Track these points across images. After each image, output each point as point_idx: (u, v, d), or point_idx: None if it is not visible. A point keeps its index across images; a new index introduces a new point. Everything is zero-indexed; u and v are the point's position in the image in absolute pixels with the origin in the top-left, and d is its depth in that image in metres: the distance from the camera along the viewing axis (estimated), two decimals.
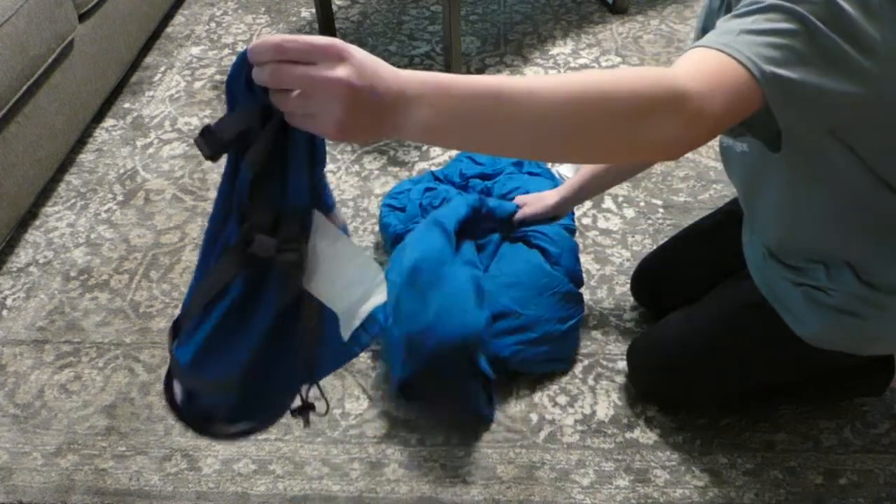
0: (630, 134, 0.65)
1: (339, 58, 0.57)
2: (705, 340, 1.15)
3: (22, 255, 1.60)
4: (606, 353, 1.36)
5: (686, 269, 1.30)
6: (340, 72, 0.56)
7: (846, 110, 0.76)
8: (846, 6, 0.68)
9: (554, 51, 2.13)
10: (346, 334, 0.72)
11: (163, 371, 1.36)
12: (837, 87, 0.71)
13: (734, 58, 0.67)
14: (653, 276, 1.37)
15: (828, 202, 0.91)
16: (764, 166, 0.95)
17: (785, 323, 1.04)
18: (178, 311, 1.45)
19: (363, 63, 0.58)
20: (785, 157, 0.82)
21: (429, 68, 2.08)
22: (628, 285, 1.46)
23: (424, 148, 1.82)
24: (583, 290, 1.46)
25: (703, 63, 0.68)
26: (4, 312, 1.48)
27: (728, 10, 0.83)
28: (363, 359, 1.36)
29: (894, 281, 0.94)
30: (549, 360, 1.30)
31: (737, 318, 1.12)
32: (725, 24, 0.72)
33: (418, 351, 1.17)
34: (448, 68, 1.87)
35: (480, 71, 2.06)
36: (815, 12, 0.68)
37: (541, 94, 0.62)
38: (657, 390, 1.25)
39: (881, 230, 0.92)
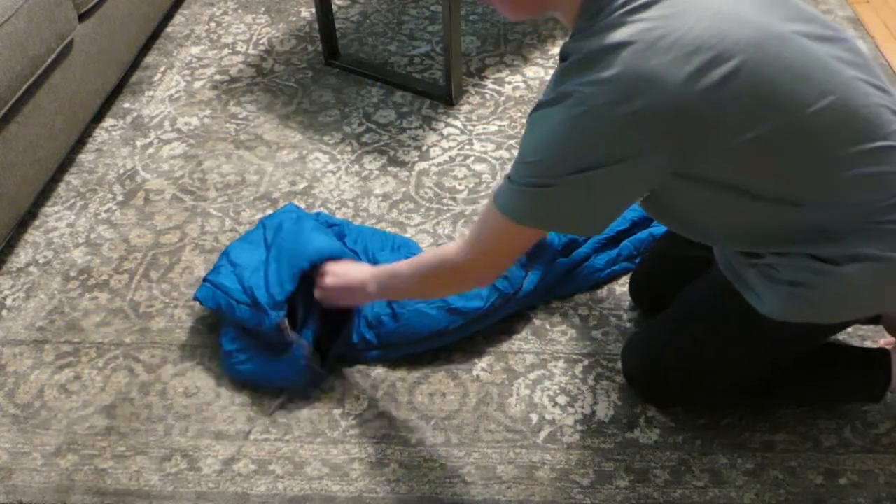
0: (448, 294, 1.29)
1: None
2: (688, 333, 1.16)
3: (22, 255, 1.60)
4: (606, 353, 1.36)
5: (676, 268, 1.30)
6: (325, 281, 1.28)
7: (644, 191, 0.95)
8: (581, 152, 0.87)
9: (554, 51, 2.13)
10: None
11: (162, 371, 1.36)
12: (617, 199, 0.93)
13: (510, 217, 0.93)
14: (648, 281, 1.38)
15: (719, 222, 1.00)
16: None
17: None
18: (177, 311, 1.46)
19: (331, 275, 1.26)
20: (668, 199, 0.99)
21: (428, 68, 2.09)
22: (628, 285, 1.46)
23: (424, 148, 1.82)
24: (583, 289, 1.47)
25: (485, 227, 0.99)
26: (4, 312, 1.48)
27: None
28: (363, 358, 1.36)
29: (837, 254, 0.95)
30: None
31: (712, 305, 1.13)
32: (509, 175, 0.94)
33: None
34: (448, 68, 1.88)
35: (481, 70, 2.06)
36: (559, 172, 0.88)
37: (401, 286, 1.18)
38: (653, 391, 1.25)
39: (770, 234, 0.97)
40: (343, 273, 1.25)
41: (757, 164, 0.88)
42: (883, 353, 1.20)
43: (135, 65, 2.15)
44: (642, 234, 1.50)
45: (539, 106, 0.90)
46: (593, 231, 0.96)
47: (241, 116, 1.95)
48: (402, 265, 1.16)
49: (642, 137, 0.84)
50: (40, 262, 1.58)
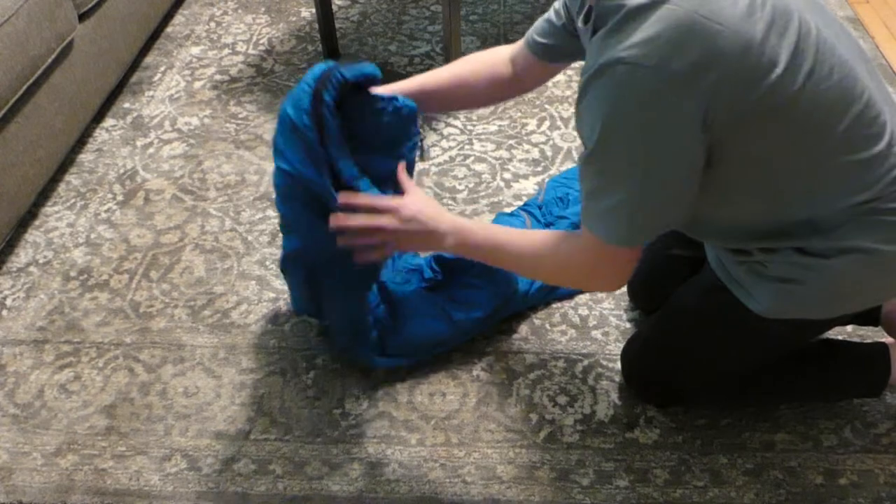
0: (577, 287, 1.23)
1: (389, 211, 1.06)
2: (682, 333, 1.16)
3: (22, 255, 1.60)
4: (606, 353, 1.36)
5: (674, 268, 1.30)
6: (386, 221, 1.07)
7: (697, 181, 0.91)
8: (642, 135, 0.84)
9: None
10: None
11: (162, 371, 1.36)
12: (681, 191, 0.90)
13: (602, 238, 0.93)
14: (646, 281, 1.37)
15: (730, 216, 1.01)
16: None
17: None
18: (177, 311, 1.46)
19: (408, 213, 1.06)
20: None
21: (428, 68, 2.08)
22: (626, 285, 1.46)
23: (424, 148, 1.82)
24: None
25: (597, 252, 0.95)
26: (4, 312, 1.48)
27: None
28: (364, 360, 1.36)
29: (826, 248, 0.95)
30: None
31: (704, 304, 1.13)
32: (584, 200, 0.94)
33: None
34: None
35: None
36: (623, 153, 0.86)
37: (515, 259, 1.05)
38: (650, 390, 1.25)
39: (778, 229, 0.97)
40: (418, 211, 1.07)
41: (763, 155, 0.88)
42: (882, 347, 1.20)
43: (135, 65, 2.16)
44: None
45: (585, 89, 0.85)
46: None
47: (241, 116, 1.95)
48: (514, 237, 1.05)
49: (701, 89, 0.80)
50: (40, 262, 1.58)
